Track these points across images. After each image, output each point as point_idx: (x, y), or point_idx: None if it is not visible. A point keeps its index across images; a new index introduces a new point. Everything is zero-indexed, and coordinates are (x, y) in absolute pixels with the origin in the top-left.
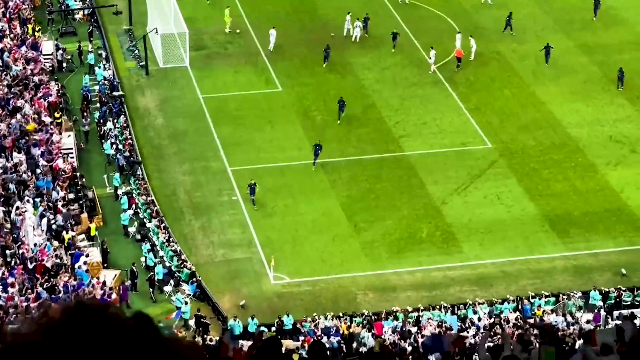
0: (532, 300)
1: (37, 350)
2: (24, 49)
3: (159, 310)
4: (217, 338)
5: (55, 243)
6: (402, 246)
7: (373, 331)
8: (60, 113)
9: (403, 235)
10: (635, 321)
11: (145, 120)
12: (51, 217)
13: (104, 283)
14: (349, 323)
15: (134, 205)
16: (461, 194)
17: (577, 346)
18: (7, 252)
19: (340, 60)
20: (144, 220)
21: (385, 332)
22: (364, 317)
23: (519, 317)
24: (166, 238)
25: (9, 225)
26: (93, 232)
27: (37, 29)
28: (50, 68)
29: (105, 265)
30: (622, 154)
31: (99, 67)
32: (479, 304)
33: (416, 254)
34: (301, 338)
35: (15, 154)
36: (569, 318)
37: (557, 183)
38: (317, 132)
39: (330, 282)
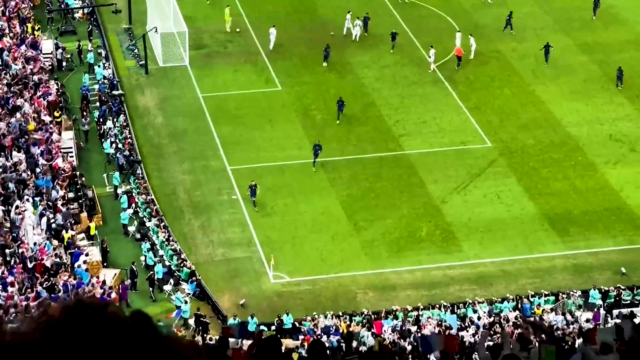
0: (531, 299)
1: (36, 349)
2: (23, 47)
3: (159, 309)
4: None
5: (55, 242)
6: (401, 245)
7: (373, 330)
8: (59, 112)
9: (403, 234)
10: (635, 320)
11: (145, 119)
12: (51, 216)
13: (104, 282)
14: (348, 322)
15: (133, 204)
16: (461, 193)
17: (577, 345)
18: (7, 251)
19: (340, 59)
20: (144, 219)
21: (385, 331)
22: (363, 316)
23: (518, 316)
24: (166, 237)
25: (8, 225)
26: (93, 231)
27: (36, 27)
28: (50, 67)
29: (105, 264)
30: (621, 152)
31: (99, 66)
32: (479, 302)
33: (416, 253)
34: (301, 337)
35: (14, 152)
36: (569, 317)
37: (556, 182)
38: (317, 130)
39: (330, 281)
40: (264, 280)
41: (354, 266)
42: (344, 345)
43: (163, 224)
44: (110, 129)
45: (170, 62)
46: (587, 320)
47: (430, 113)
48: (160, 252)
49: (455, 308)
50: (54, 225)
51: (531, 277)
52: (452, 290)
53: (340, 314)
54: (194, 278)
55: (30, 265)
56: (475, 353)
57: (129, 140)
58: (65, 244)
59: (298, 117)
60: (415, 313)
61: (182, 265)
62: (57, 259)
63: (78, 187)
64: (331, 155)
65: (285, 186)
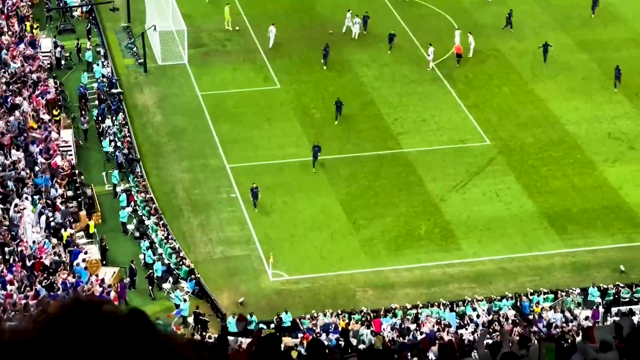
0: (530, 297)
1: (34, 347)
2: (22, 46)
3: (158, 307)
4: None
5: (54, 240)
6: (400, 243)
7: (372, 328)
8: (58, 110)
9: (402, 233)
10: (634, 317)
11: (144, 118)
12: (50, 214)
13: (103, 280)
14: (347, 320)
15: (132, 203)
16: (460, 191)
17: (576, 343)
18: (6, 249)
19: (339, 58)
20: (143, 217)
21: (384, 329)
22: (362, 314)
23: (515, 314)
24: (165, 235)
25: (7, 223)
26: (92, 230)
27: (35, 26)
28: (49, 65)
29: (104, 262)
30: (620, 150)
31: (97, 65)
32: (478, 301)
33: (415, 251)
34: (300, 335)
35: (13, 151)
36: (568, 315)
37: (555, 180)
38: (316, 129)
39: (329, 279)
40: (263, 278)
41: (353, 264)
42: (342, 343)
43: (162, 222)
44: (109, 127)
45: (169, 60)
46: (586, 318)
47: (429, 111)
48: (159, 250)
49: (455, 306)
50: (53, 224)
51: (530, 275)
52: (451, 288)
53: (340, 312)
54: (193, 276)
55: (29, 264)
56: (475, 351)
57: (128, 138)
58: (64, 242)
59: (297, 116)
60: (414, 311)
61: (181, 263)
62: (56, 257)
63: (77, 185)
64: (330, 153)
65: (284, 184)
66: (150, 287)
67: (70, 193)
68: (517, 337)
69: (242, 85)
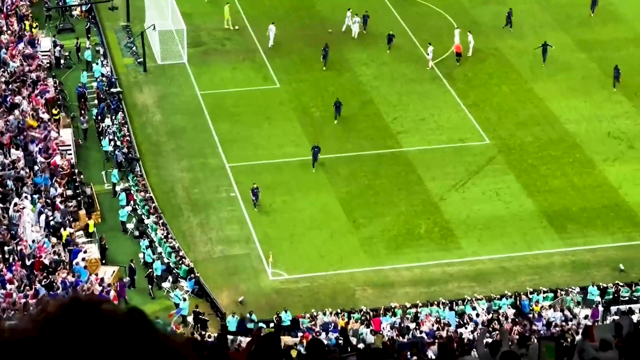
0: (530, 296)
1: (33, 346)
2: (21, 45)
3: (158, 306)
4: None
5: (54, 239)
6: (400, 242)
7: (371, 327)
8: (58, 110)
9: (401, 232)
10: (633, 316)
11: (144, 117)
12: (49, 213)
13: (102, 279)
14: (346, 319)
15: (132, 202)
16: (459, 190)
17: (576, 342)
18: (6, 248)
19: (339, 57)
20: (142, 216)
21: (383, 328)
22: (362, 313)
23: (515, 313)
24: (164, 234)
25: (6, 222)
26: (91, 229)
27: (34, 25)
28: (48, 65)
29: (104, 261)
30: (620, 150)
31: (97, 64)
32: (477, 299)
33: (414, 250)
34: (299, 334)
35: (13, 150)
36: (567, 314)
37: (555, 179)
38: (315, 128)
39: (329, 278)
40: (263, 277)
41: (352, 263)
42: (342, 342)
43: (161, 221)
44: (108, 126)
45: (169, 59)
46: (586, 317)
47: (429, 110)
48: (159, 250)
49: (454, 305)
50: (52, 223)
51: (530, 274)
52: (451, 287)
53: (339, 311)
54: (192, 275)
55: (28, 263)
56: (474, 350)
57: (128, 137)
58: (63, 241)
59: (296, 115)
60: (413, 310)
61: (180, 262)
62: (56, 257)
63: (76, 184)
64: (329, 152)
65: (283, 183)
66: (150, 286)
67: (69, 192)
68: (517, 336)
69: (242, 85)
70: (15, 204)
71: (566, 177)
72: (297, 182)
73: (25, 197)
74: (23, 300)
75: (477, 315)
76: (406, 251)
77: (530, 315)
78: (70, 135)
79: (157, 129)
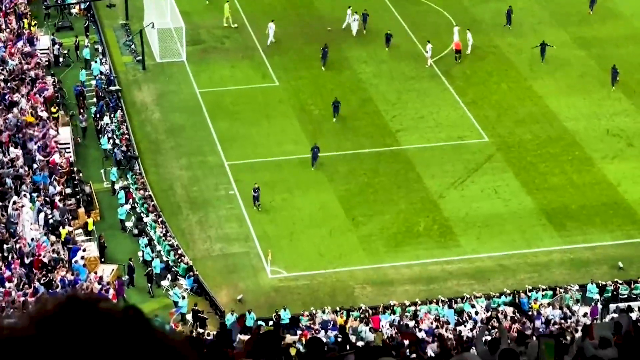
0: (529, 294)
1: (30, 344)
2: (20, 43)
3: (157, 304)
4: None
5: (53, 238)
6: (399, 240)
7: (370, 325)
8: (56, 108)
9: (400, 229)
10: (632, 314)
11: (142, 115)
12: (48, 212)
13: (101, 278)
14: (345, 317)
15: (131, 200)
16: (458, 187)
17: (575, 340)
18: (5, 246)
19: (337, 55)
20: (141, 214)
21: (382, 326)
22: (361, 311)
23: (514, 311)
24: (163, 233)
25: (4, 220)
26: (90, 227)
27: (33, 23)
28: (47, 63)
29: (103, 260)
30: (619, 147)
31: (96, 62)
32: (476, 297)
33: (414, 248)
34: (299, 332)
35: (11, 148)
36: (566, 311)
37: (554, 177)
38: (314, 126)
39: (328, 276)
40: (262, 275)
41: (351, 261)
42: (340, 339)
43: (160, 219)
44: (107, 124)
45: (168, 57)
46: (585, 315)
47: (428, 108)
48: (158, 248)
49: (453, 303)
50: (51, 221)
51: (529, 272)
52: (450, 285)
53: (338, 309)
54: (191, 273)
55: (27, 261)
56: (473, 347)
57: (127, 136)
58: (62, 239)
59: (295, 113)
60: (413, 308)
61: (179, 260)
62: (55, 255)
63: (75, 182)
64: (328, 150)
65: (282, 181)
66: (149, 285)
67: (68, 190)
68: (516, 334)
69: (241, 83)
70: (14, 202)
71: (565, 175)
72: (296, 180)
73: (24, 196)
74: (22, 299)
75: (476, 313)
76: (405, 249)
77: (530, 313)
78: (69, 133)
79: (156, 127)
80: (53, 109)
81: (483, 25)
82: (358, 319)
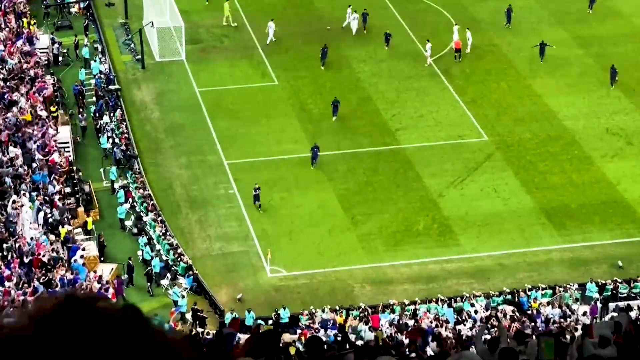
0: (528, 293)
1: (28, 343)
2: (19, 42)
3: (156, 304)
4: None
5: (52, 237)
6: (399, 239)
7: (370, 324)
8: (56, 107)
9: (400, 228)
10: (632, 313)
11: (142, 114)
12: (47, 211)
13: (101, 277)
14: (345, 316)
15: (130, 199)
16: (458, 186)
17: (575, 338)
18: (4, 245)
19: (337, 54)
20: (141, 213)
21: (382, 325)
22: (360, 310)
23: (513, 310)
24: (163, 232)
25: (3, 219)
26: (90, 226)
27: (32, 22)
28: (46, 62)
29: (102, 259)
30: (618, 146)
31: (95, 61)
32: (476, 296)
33: (413, 247)
34: (298, 331)
35: (11, 147)
36: (566, 310)
37: (553, 176)
38: (313, 125)
39: (327, 275)
40: (261, 274)
41: (351, 260)
42: (340, 338)
43: (160, 218)
44: (107, 123)
45: (167, 56)
46: (584, 314)
47: (427, 107)
48: (157, 247)
49: (453, 302)
50: (50, 220)
51: (528, 271)
52: (450, 284)
53: (337, 308)
54: (191, 272)
55: (26, 260)
56: (473, 347)
57: (126, 135)
58: (62, 238)
59: (294, 112)
60: (412, 307)
61: (179, 259)
62: (54, 254)
63: (75, 182)
64: (328, 149)
65: (281, 180)
66: (149, 284)
67: (68, 189)
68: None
69: (240, 82)
70: (14, 202)
71: (565, 174)
72: (296, 179)
73: (24, 195)
74: (21, 298)
75: (476, 312)
76: (405, 248)
77: (529, 312)
78: (68, 132)
79: (156, 126)
80: (52, 108)
81: (482, 24)
82: (357, 318)
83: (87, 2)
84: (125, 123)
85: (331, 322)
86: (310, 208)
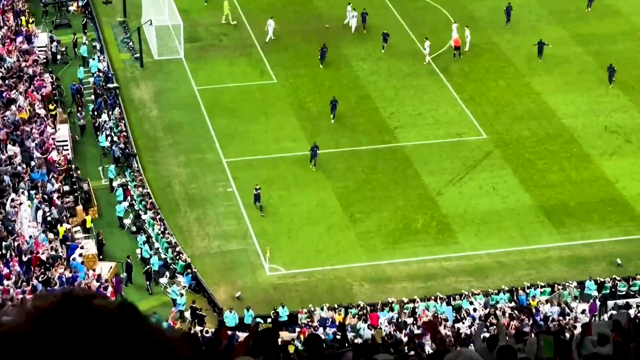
0: (527, 291)
1: (25, 340)
2: (18, 40)
3: (155, 302)
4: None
5: (51, 235)
6: (397, 237)
7: (369, 322)
8: (54, 105)
9: (398, 226)
10: (630, 311)
11: (140, 112)
12: (46, 209)
13: (100, 275)
14: (343, 314)
15: (129, 197)
16: (456, 184)
17: (574, 336)
18: (3, 244)
19: (336, 52)
20: (139, 212)
21: (381, 323)
22: (359, 308)
23: (512, 307)
24: (161, 230)
25: (1, 217)
26: (88, 224)
27: (31, 21)
28: (45, 60)
29: (101, 257)
30: (617, 144)
31: (94, 59)
32: (475, 294)
33: (412, 245)
34: (297, 329)
35: (9, 146)
36: (565, 308)
37: (552, 174)
38: (312, 123)
39: (326, 273)
40: (260, 272)
41: (349, 258)
42: (339, 336)
43: (159, 216)
44: (105, 122)
45: (166, 55)
46: (583, 312)
47: (426, 105)
48: (156, 245)
49: (451, 300)
50: (49, 219)
51: (527, 269)
52: (448, 282)
53: (336, 306)
54: (189, 271)
55: (25, 259)
56: (472, 344)
57: (125, 133)
58: (61, 237)
59: (293, 110)
60: (411, 305)
61: (177, 258)
62: (53, 252)
63: (73, 180)
64: (326, 147)
65: (280, 178)
66: (147, 282)
67: (66, 188)
68: (514, 331)
69: (239, 80)
70: (12, 200)
71: (563, 172)
72: (294, 177)
73: (22, 193)
74: (20, 296)
75: (475, 310)
76: (403, 246)
77: (528, 310)
78: (67, 130)
79: (154, 125)
80: (51, 107)
81: (481, 22)
82: (356, 316)
83: (86, 0)
84: (123, 121)
85: (330, 320)
86: (309, 206)
